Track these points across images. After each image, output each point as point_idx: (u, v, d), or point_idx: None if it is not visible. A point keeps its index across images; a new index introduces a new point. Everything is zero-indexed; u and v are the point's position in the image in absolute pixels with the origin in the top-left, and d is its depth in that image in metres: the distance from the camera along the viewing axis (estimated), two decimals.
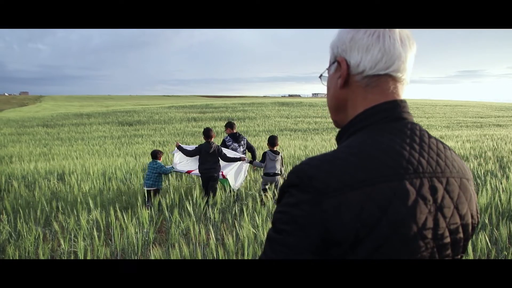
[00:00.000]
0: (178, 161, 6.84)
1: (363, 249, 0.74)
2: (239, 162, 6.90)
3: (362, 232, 0.73)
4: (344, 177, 0.75)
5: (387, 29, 0.88)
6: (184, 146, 6.79)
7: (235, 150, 7.22)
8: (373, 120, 0.88)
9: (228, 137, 7.40)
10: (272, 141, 6.53)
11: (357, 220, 0.73)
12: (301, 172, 0.78)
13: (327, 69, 0.99)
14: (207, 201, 5.90)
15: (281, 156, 6.62)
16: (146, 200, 6.44)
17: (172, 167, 6.85)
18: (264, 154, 6.53)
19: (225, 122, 7.94)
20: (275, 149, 6.54)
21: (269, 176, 6.45)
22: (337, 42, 0.94)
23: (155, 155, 6.80)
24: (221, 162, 6.66)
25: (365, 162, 0.77)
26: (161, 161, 6.92)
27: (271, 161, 6.45)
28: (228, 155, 6.72)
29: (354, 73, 0.90)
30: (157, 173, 6.66)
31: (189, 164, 6.83)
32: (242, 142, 7.43)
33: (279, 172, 6.53)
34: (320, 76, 1.03)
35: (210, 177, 6.43)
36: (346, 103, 0.94)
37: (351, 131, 0.90)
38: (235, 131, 7.45)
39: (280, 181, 6.49)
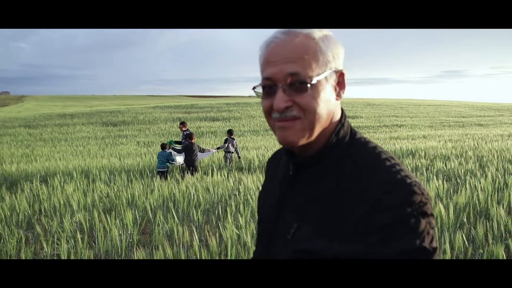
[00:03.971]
0: (173, 156, 9.72)
1: None
2: (209, 152, 10.58)
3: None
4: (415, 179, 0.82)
5: None
6: (176, 147, 10.10)
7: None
8: (350, 125, 0.93)
9: (185, 132, 10.18)
10: (231, 132, 10.92)
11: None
12: (406, 193, 0.77)
13: (323, 75, 0.84)
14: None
15: (235, 141, 10.92)
16: (160, 178, 8.89)
17: (173, 157, 9.61)
18: (226, 139, 10.68)
19: (180, 121, 11.25)
20: (232, 137, 10.74)
21: (229, 152, 10.67)
22: (336, 50, 0.87)
23: (164, 146, 9.80)
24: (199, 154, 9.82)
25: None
26: (167, 150, 9.73)
27: (231, 144, 10.65)
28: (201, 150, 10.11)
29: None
30: (165, 159, 9.38)
31: (179, 158, 9.82)
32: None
33: (233, 151, 10.76)
34: (308, 83, 0.83)
35: (192, 165, 9.41)
36: (332, 117, 0.90)
37: (348, 139, 0.90)
38: (186, 128, 10.48)
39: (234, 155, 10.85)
